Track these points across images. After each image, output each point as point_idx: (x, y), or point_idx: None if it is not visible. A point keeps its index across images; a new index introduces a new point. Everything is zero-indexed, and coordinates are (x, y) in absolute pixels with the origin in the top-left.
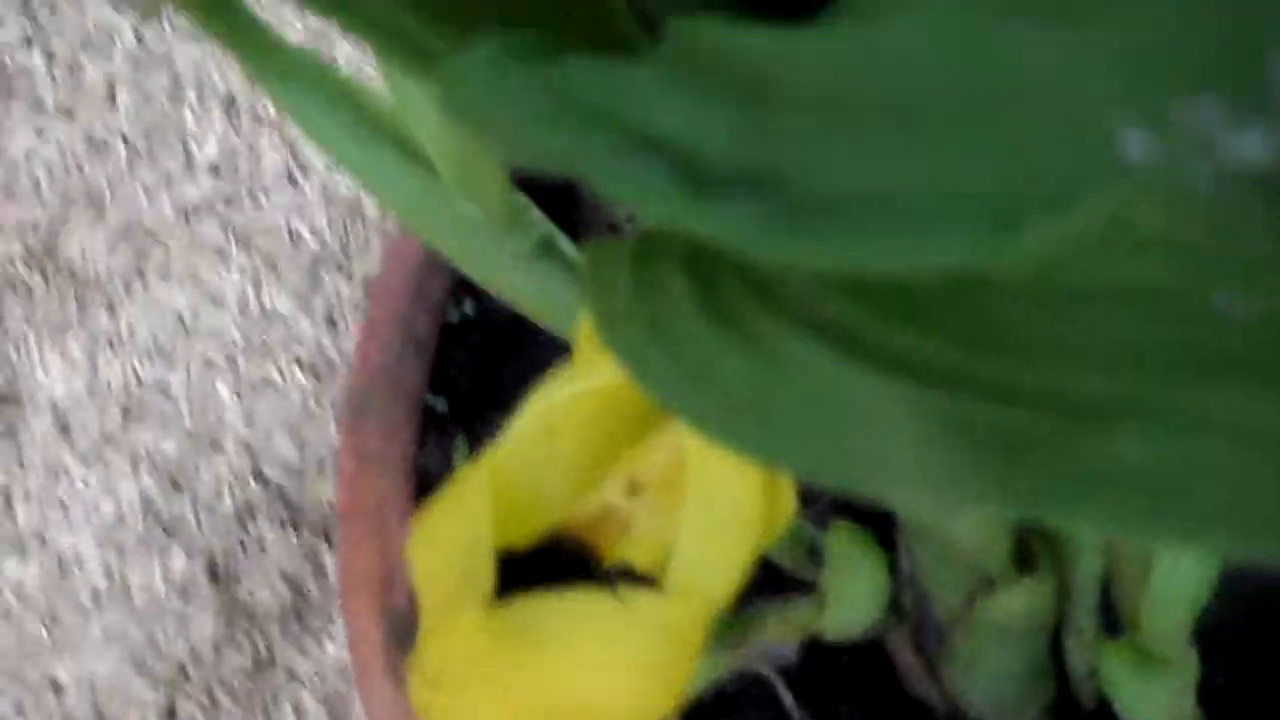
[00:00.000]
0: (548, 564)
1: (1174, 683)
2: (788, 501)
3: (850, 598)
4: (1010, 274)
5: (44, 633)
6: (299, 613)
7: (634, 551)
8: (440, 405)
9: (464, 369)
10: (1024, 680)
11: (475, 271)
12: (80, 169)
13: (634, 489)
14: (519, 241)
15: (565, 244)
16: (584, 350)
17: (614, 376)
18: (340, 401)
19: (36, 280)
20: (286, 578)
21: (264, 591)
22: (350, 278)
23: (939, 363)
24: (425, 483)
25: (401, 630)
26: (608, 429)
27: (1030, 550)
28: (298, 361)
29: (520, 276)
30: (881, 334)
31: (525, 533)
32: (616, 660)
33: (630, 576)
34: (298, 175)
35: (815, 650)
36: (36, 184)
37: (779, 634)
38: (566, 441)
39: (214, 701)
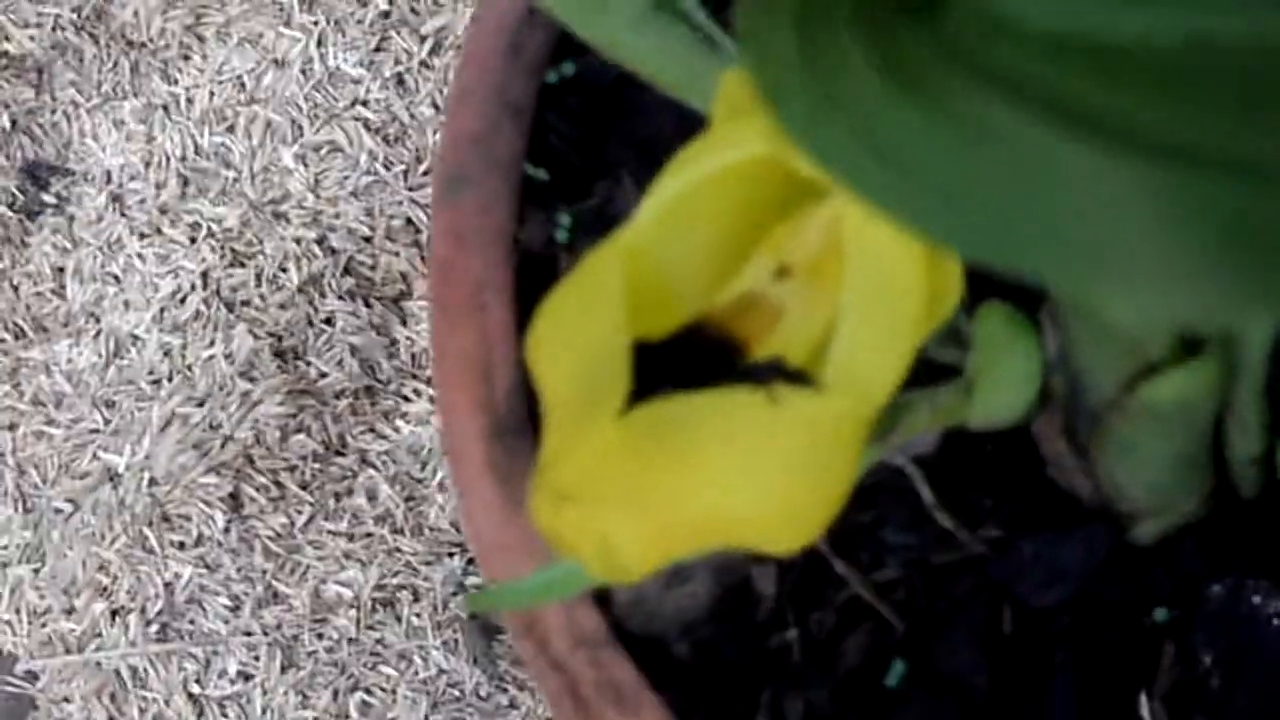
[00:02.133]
0: (687, 360)
1: None
2: (954, 284)
3: (1002, 382)
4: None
5: (99, 419)
6: (370, 392)
7: (785, 344)
8: (541, 176)
9: (565, 136)
10: (1182, 469)
11: (582, 27)
12: None
13: (782, 273)
14: None
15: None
16: (724, 118)
17: (760, 148)
18: (433, 175)
19: (87, 45)
20: (356, 354)
21: (333, 369)
22: (421, 37)
23: (1184, 137)
24: (526, 262)
25: (503, 422)
26: (752, 206)
27: (1195, 331)
28: (366, 125)
29: (634, 34)
30: (1108, 103)
31: (662, 324)
32: (769, 466)
33: (781, 372)
34: None
35: (955, 440)
36: None
37: (926, 424)
38: (707, 220)
39: (280, 488)
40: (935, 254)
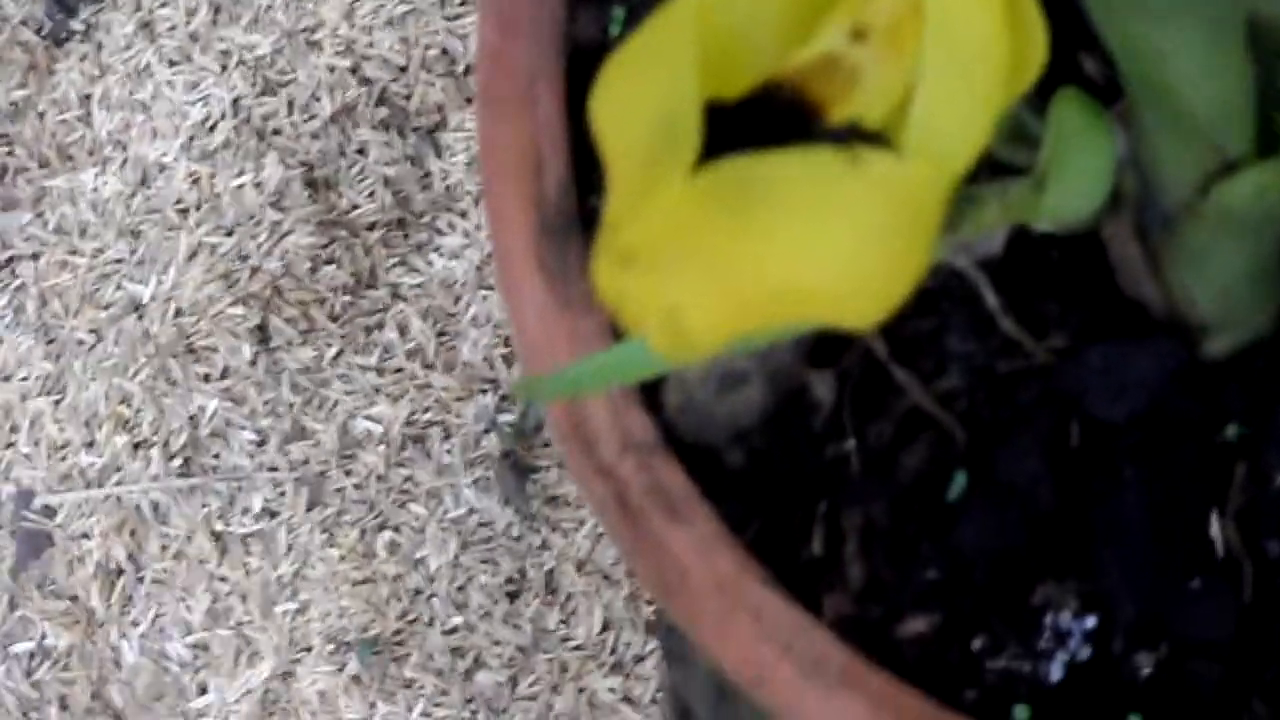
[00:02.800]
0: (760, 122)
1: None
2: (1037, 51)
3: (1074, 175)
4: None
5: (125, 249)
6: (402, 224)
7: (862, 107)
8: None
9: None
10: (1256, 279)
11: None
12: None
13: (859, 34)
14: None
15: None
16: None
17: None
18: None
19: None
20: (389, 185)
21: (365, 200)
22: None
23: None
24: (578, 56)
25: (551, 219)
26: None
27: (1276, 131)
28: None
29: None
30: None
31: (733, 83)
32: (847, 231)
33: (859, 135)
34: None
35: (1021, 244)
36: None
37: (995, 219)
38: None
39: (310, 320)
40: (1018, 16)
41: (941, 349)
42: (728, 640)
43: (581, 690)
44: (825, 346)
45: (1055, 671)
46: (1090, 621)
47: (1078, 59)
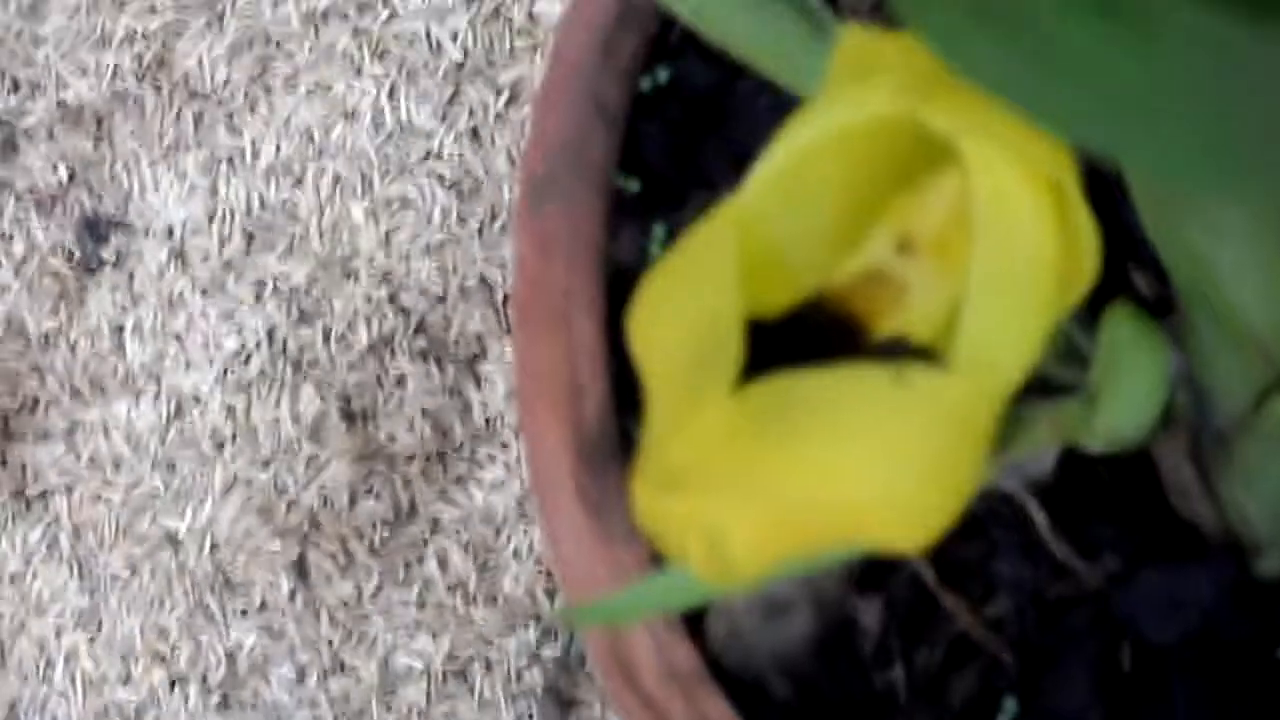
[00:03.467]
0: (804, 339)
1: None
2: (1089, 263)
3: (1127, 394)
4: None
5: (159, 481)
6: (442, 456)
7: (909, 322)
8: (633, 187)
9: (659, 145)
10: None
11: (686, 8)
12: None
13: (906, 246)
14: None
15: None
16: (841, 81)
17: (883, 106)
18: (519, 181)
19: (149, 95)
20: (428, 417)
21: (403, 433)
22: (496, 89)
23: None
24: (617, 277)
25: (591, 445)
26: (874, 174)
27: None
28: (439, 179)
29: (737, 11)
30: None
31: (776, 299)
32: (895, 451)
33: (906, 351)
34: None
35: (1071, 466)
36: None
37: (1045, 439)
38: (824, 188)
39: (349, 555)
40: (1070, 228)
41: (990, 574)
42: None
43: None
44: (872, 572)
45: None
46: None
47: (1128, 274)
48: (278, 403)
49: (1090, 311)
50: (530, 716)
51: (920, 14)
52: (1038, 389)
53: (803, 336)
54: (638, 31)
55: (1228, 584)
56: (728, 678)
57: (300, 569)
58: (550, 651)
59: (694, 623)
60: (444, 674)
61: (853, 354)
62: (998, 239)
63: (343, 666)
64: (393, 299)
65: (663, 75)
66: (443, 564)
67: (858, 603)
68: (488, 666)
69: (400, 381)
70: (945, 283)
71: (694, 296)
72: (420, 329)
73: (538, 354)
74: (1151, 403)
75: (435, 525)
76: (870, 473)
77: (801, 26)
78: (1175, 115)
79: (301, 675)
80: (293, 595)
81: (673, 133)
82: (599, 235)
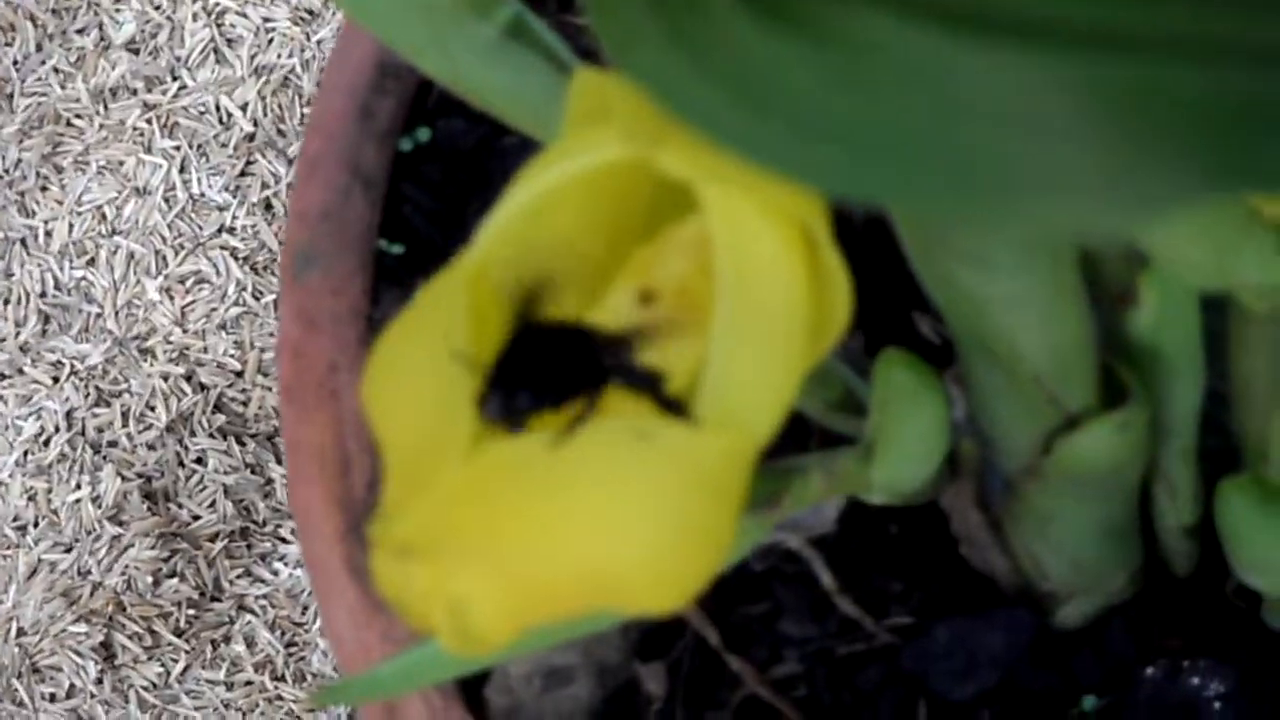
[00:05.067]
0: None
1: None
2: (841, 308)
3: (906, 442)
4: None
5: None
6: (245, 533)
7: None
8: (397, 250)
9: (421, 208)
10: (1107, 542)
11: (434, 64)
12: None
13: (648, 298)
14: (485, 24)
15: (539, 26)
16: (575, 124)
17: (616, 151)
18: (281, 253)
19: None
20: (230, 494)
21: (205, 511)
22: (288, 159)
23: (1101, 22)
24: None
25: (362, 519)
26: (616, 219)
27: (1119, 381)
28: (232, 253)
29: (485, 67)
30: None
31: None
32: (638, 512)
33: (659, 389)
34: (224, 50)
35: (856, 519)
36: None
37: (820, 492)
38: (563, 235)
39: (155, 636)
40: (820, 273)
41: (777, 633)
42: None
43: None
44: (654, 637)
45: None
46: None
47: (912, 320)
48: (78, 485)
49: (870, 358)
50: None
51: (625, 56)
52: (819, 441)
53: (571, 349)
54: (396, 93)
55: (1026, 636)
56: None
57: (107, 652)
58: None
59: (473, 690)
60: None
61: (617, 373)
62: (740, 288)
63: None
64: (190, 377)
65: (423, 135)
66: (250, 643)
67: (641, 669)
68: None
69: (200, 459)
70: (691, 335)
71: (426, 358)
72: (219, 406)
73: (305, 430)
74: (930, 453)
75: (241, 603)
76: (613, 534)
77: (551, 78)
78: (879, 139)
79: None
80: (100, 679)
81: (435, 194)
82: (363, 303)
